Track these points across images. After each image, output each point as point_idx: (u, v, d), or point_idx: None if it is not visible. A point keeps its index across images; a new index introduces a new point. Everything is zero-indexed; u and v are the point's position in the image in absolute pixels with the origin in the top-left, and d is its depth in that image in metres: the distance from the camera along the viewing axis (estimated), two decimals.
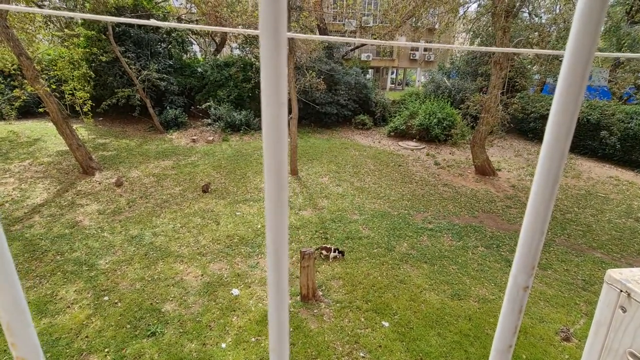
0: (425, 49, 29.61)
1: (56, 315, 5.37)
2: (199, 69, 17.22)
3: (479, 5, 12.92)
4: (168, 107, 15.82)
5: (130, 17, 14.45)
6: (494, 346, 0.32)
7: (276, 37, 0.21)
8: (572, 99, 0.24)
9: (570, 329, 5.50)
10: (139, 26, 15.03)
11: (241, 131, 15.57)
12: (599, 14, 0.22)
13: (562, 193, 11.29)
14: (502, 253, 7.71)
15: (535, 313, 5.90)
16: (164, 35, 16.18)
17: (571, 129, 0.25)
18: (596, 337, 1.35)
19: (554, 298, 6.32)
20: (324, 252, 7.04)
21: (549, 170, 0.25)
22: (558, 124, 0.25)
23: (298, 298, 5.89)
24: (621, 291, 1.24)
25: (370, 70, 27.19)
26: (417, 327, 5.41)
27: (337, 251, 7.05)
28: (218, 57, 18.43)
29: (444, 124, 15.44)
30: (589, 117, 14.64)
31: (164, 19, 15.70)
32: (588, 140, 15.14)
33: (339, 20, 25.85)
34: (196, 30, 18.71)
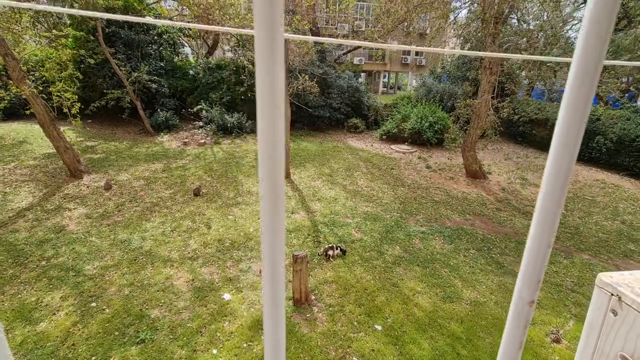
0: (417, 53, 29.99)
1: (41, 323, 5.20)
2: (191, 71, 17.07)
3: (469, 12, 13.14)
4: (159, 110, 15.61)
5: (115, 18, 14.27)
6: None
7: (272, 36, 0.19)
8: (581, 107, 0.23)
9: (560, 331, 5.57)
10: (130, 27, 14.83)
11: (233, 134, 15.45)
12: (609, 17, 0.21)
13: None
14: (493, 255, 7.78)
15: None
16: (155, 37, 16.01)
17: (579, 135, 0.24)
18: (588, 340, 1.35)
19: (544, 300, 6.39)
20: (329, 252, 7.11)
21: (556, 178, 0.24)
22: (567, 130, 0.24)
23: (290, 302, 5.83)
24: (612, 295, 1.25)
25: (362, 74, 27.39)
26: (409, 330, 5.41)
27: (339, 248, 7.19)
28: (210, 59, 18.29)
29: (436, 128, 15.60)
30: None
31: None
32: None
33: (331, 24, 26.00)
34: (188, 32, 18.55)
